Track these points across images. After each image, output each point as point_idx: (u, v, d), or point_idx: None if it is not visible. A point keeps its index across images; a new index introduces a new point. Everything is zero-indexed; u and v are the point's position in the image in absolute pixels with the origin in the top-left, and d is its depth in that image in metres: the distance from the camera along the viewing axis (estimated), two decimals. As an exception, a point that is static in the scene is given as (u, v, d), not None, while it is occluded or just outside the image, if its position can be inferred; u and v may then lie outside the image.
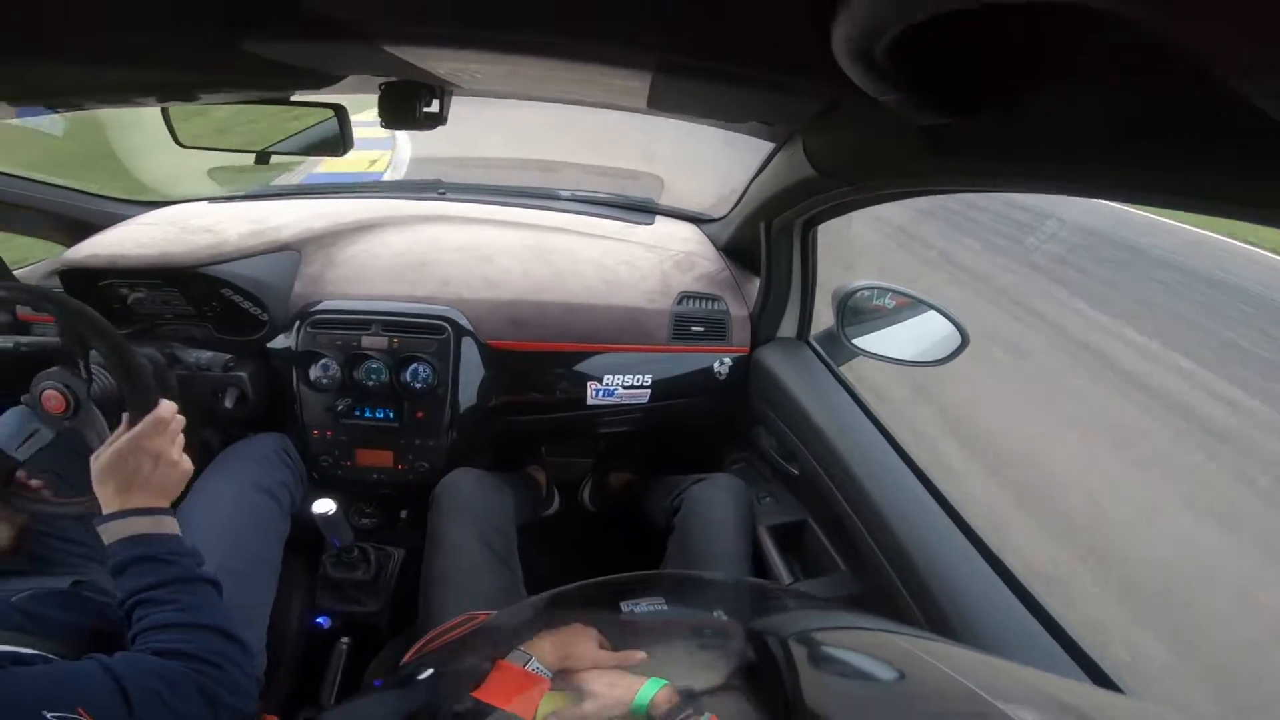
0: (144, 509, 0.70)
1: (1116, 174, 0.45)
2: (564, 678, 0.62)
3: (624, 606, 0.67)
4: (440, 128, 0.95)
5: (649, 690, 0.54)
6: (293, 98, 0.97)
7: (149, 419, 0.74)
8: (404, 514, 1.39)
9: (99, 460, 0.72)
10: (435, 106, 0.92)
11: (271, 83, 0.85)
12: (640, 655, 0.65)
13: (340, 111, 0.99)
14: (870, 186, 0.90)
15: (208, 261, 1.20)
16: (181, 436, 0.78)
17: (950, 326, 1.23)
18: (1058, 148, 0.48)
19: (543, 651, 0.64)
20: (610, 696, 0.55)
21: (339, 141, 1.02)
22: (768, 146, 1.18)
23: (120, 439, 0.73)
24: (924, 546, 0.84)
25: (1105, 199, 0.55)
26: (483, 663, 0.61)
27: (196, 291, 1.22)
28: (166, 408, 0.76)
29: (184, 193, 1.54)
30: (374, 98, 0.91)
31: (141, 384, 0.75)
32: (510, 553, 1.08)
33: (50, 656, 0.61)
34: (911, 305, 1.30)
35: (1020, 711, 0.45)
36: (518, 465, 1.67)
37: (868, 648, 0.58)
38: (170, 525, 0.72)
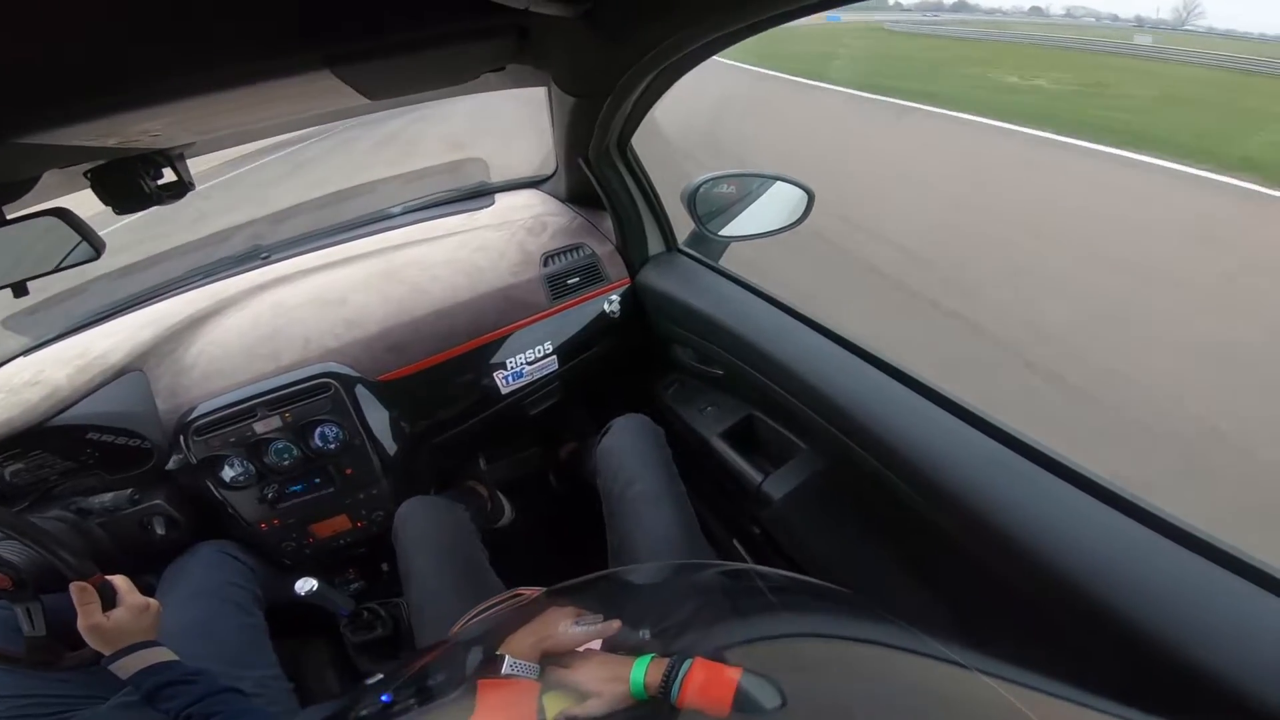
0: (141, 644, 0.80)
1: None
2: (553, 670, 0.62)
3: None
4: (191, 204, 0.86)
5: (639, 671, 0.55)
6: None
7: (123, 597, 0.82)
8: (385, 566, 1.36)
9: (95, 630, 0.79)
10: (170, 175, 0.83)
11: None
12: (615, 624, 0.67)
13: (65, 214, 0.87)
14: (610, 93, 0.89)
15: (49, 413, 1.10)
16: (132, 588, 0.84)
17: (796, 189, 1.29)
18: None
19: (519, 646, 0.65)
20: (609, 691, 0.56)
21: (85, 246, 0.91)
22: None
23: (85, 616, 0.79)
24: (858, 403, 0.87)
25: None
26: (465, 687, 0.61)
27: (62, 445, 1.12)
28: (121, 579, 0.84)
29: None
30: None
31: (62, 555, 0.79)
32: (479, 566, 1.06)
33: None
34: (757, 182, 1.36)
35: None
36: (458, 483, 1.63)
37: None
38: (168, 654, 0.81)
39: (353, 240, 1.47)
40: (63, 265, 0.90)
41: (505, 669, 0.61)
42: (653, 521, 1.02)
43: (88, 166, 0.75)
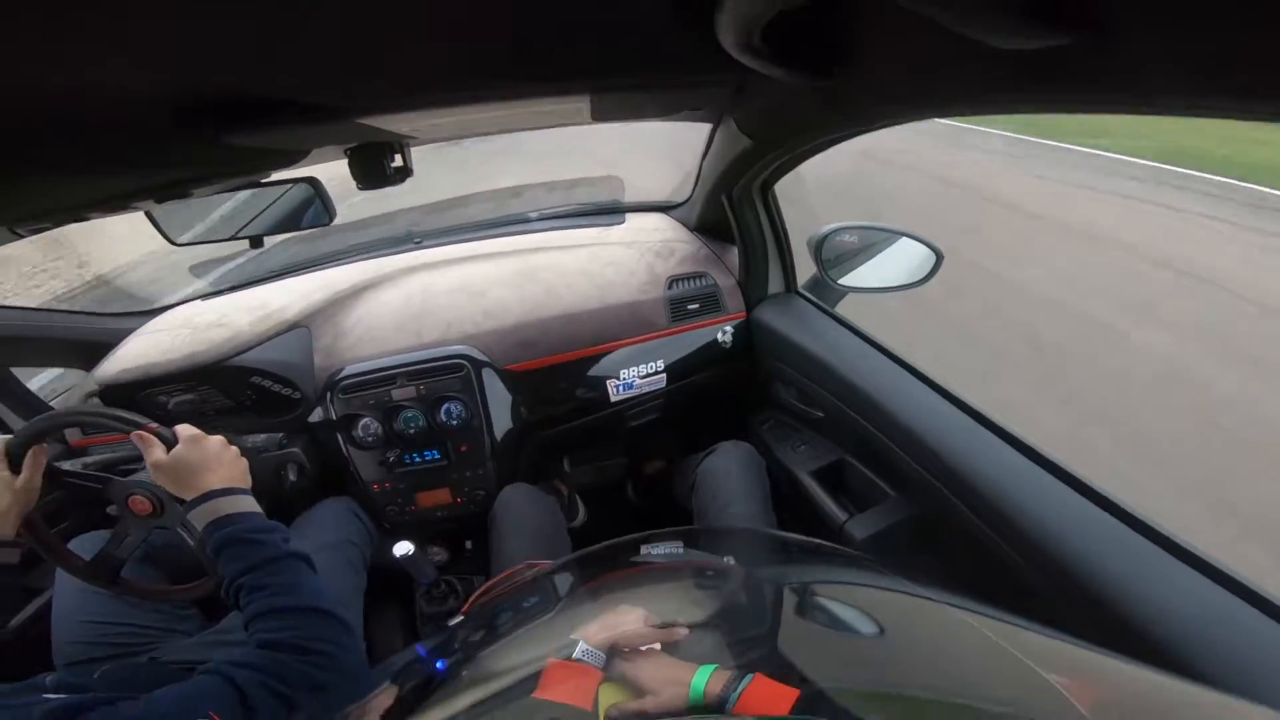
0: (221, 490, 0.78)
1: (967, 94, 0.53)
2: (617, 663, 0.64)
3: (643, 549, 0.71)
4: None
5: (701, 680, 0.57)
6: (266, 179, 1.02)
7: (179, 428, 0.84)
8: (469, 545, 1.46)
9: (163, 463, 0.80)
10: (400, 161, 0.96)
11: (250, 167, 0.90)
12: (683, 631, 0.69)
13: (315, 184, 1.03)
14: (794, 145, 0.98)
15: (230, 354, 1.26)
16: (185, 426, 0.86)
17: (923, 248, 1.31)
18: (907, 86, 0.56)
19: (592, 632, 0.68)
20: (667, 694, 0.58)
21: (322, 211, 1.06)
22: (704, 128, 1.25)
23: (148, 457, 0.81)
24: (961, 457, 0.89)
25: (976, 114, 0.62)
26: (533, 660, 0.65)
27: (230, 384, 1.27)
28: (185, 426, 0.86)
29: (175, 296, 1.58)
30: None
31: (133, 419, 0.84)
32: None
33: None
34: (882, 237, 1.38)
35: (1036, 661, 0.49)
36: (545, 478, 1.73)
37: (855, 601, 0.62)
38: (249, 504, 0.79)
39: (495, 238, 1.62)
40: (300, 226, 1.05)
41: (576, 653, 0.64)
42: None
43: (350, 145, 0.89)
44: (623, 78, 0.64)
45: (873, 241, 1.39)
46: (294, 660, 0.64)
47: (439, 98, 0.64)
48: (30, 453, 0.84)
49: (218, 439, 0.85)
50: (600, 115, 0.91)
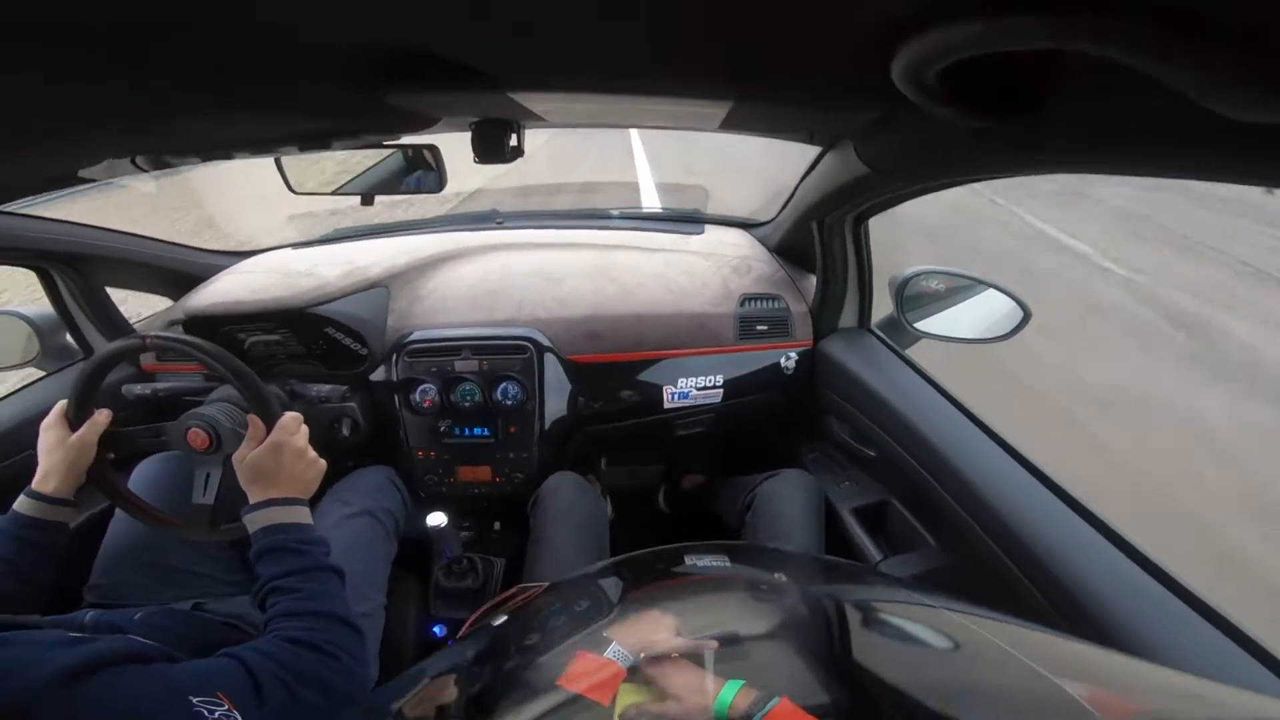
0: (281, 499, 0.80)
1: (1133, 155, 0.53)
2: (645, 665, 0.63)
3: (688, 559, 0.70)
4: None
5: (728, 694, 0.56)
6: (395, 140, 1.04)
7: (282, 420, 0.85)
8: (497, 525, 1.48)
9: (244, 461, 0.82)
10: (515, 140, 0.98)
11: (390, 126, 0.92)
12: (714, 645, 0.68)
13: (434, 151, 1.06)
14: (922, 179, 0.95)
15: (314, 302, 1.31)
16: (305, 436, 0.88)
17: (1010, 302, 1.26)
18: (1078, 137, 0.54)
19: (623, 635, 0.68)
20: (691, 702, 0.57)
21: (435, 179, 1.09)
22: (806, 151, 1.23)
23: (262, 442, 0.83)
24: (1017, 513, 0.86)
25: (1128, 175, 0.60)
26: (565, 649, 0.66)
27: (305, 331, 1.32)
28: (291, 416, 0.87)
29: (268, 241, 1.67)
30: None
31: (266, 400, 0.86)
32: (603, 554, 1.14)
33: (177, 655, 0.66)
34: (969, 285, 1.34)
35: (1074, 686, 0.47)
36: (582, 471, 1.74)
37: (923, 620, 0.61)
38: (302, 514, 0.81)
39: (575, 229, 1.65)
40: (412, 190, 1.08)
41: (607, 652, 0.64)
42: None
43: (474, 120, 0.90)
44: (776, 92, 0.62)
45: (958, 288, 1.35)
46: (311, 658, 0.66)
47: (594, 82, 0.64)
48: (92, 415, 0.87)
49: (298, 448, 0.85)
50: (730, 125, 0.90)
